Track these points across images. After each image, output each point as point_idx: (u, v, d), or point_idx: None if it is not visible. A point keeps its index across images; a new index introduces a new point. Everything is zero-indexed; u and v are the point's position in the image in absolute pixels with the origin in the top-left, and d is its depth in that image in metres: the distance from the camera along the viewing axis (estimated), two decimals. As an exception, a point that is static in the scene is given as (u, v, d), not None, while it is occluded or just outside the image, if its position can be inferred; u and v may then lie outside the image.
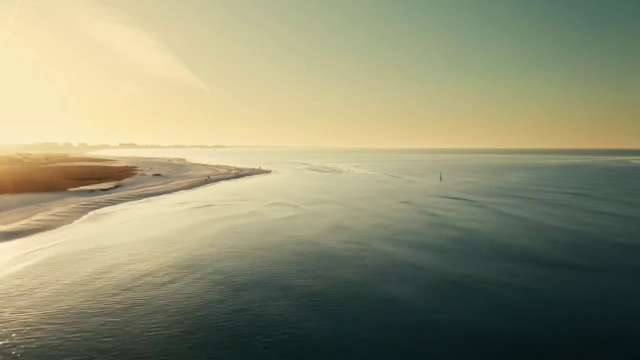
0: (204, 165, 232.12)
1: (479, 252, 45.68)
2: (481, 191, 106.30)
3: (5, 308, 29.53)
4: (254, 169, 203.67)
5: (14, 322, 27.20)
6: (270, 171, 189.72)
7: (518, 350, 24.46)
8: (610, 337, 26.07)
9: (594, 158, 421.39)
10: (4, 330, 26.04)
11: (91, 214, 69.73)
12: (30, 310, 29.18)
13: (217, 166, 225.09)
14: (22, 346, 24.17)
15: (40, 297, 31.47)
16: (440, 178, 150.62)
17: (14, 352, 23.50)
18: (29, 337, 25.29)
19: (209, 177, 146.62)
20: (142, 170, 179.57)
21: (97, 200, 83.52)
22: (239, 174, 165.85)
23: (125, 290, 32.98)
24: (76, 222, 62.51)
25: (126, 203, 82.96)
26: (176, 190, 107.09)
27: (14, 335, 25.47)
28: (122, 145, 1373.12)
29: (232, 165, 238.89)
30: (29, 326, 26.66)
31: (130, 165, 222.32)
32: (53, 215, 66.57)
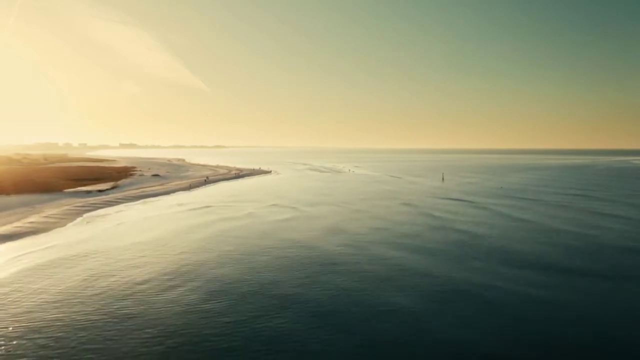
0: (203, 166, 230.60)
1: (484, 256, 44.17)
2: (484, 192, 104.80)
3: (-13, 318, 28.04)
4: (253, 169, 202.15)
5: (-5, 333, 25.70)
6: (270, 171, 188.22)
7: (529, 364, 22.99)
8: (618, 345, 24.59)
9: (594, 158, 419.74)
10: (-17, 343, 24.55)
11: (85, 215, 68.23)
12: (10, 322, 27.58)
13: (217, 166, 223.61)
14: (2, 360, 22.69)
15: (23, 308, 29.74)
16: (442, 178, 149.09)
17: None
18: (8, 351, 23.79)
19: (207, 177, 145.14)
20: (140, 170, 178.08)
21: (93, 202, 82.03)
22: (239, 174, 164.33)
23: (113, 300, 31.31)
24: (69, 224, 60.99)
25: (122, 204, 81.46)
26: (174, 191, 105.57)
27: (-7, 347, 23.97)
28: (122, 145, 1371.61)
29: (231, 165, 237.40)
30: (9, 340, 25.15)
31: (128, 165, 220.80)
32: (46, 217, 65.08)
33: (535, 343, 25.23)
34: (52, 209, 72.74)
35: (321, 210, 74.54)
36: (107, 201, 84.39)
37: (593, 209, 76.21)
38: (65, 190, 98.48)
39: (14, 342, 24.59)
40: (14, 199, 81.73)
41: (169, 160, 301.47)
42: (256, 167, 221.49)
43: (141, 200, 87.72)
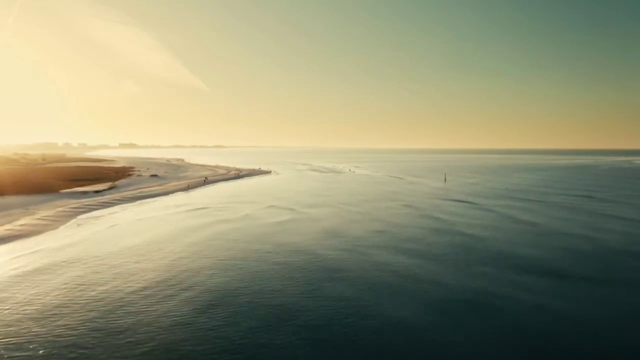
0: (203, 166, 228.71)
1: (491, 262, 42.26)
2: (487, 193, 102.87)
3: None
4: (253, 169, 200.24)
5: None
6: (270, 171, 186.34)
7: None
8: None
9: (596, 158, 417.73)
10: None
11: (80, 217, 66.34)
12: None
13: (216, 166, 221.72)
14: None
15: (1, 323, 27.91)
16: (445, 179, 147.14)
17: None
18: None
19: (206, 178, 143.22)
20: (138, 170, 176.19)
21: (88, 203, 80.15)
22: (238, 175, 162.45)
23: (100, 314, 29.08)
24: (62, 227, 59.11)
25: (118, 206, 79.57)
26: (172, 192, 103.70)
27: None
28: (122, 145, 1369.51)
29: (231, 165, 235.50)
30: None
31: (127, 165, 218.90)
32: (39, 219, 63.20)
33: (547, 356, 23.35)
34: (46, 210, 70.87)
35: (320, 212, 72.61)
36: (103, 202, 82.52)
37: (600, 211, 74.29)
38: (61, 190, 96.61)
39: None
40: (8, 199, 79.85)
41: (168, 161, 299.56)
42: (256, 167, 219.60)
43: (138, 202, 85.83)
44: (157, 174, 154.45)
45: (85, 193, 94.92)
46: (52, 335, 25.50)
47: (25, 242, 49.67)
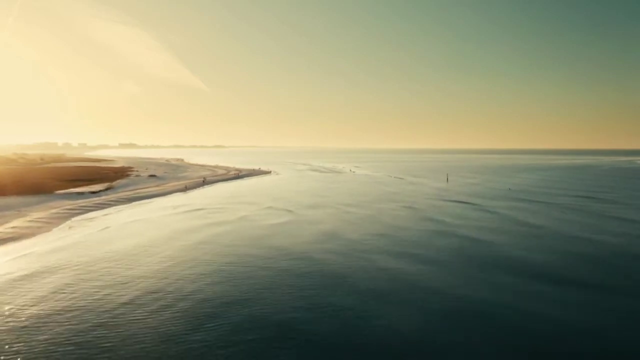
0: (202, 166, 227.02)
1: (499, 269, 40.53)
2: (491, 194, 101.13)
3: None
4: (253, 169, 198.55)
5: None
6: (270, 172, 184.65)
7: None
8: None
9: (597, 158, 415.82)
10: None
11: (74, 219, 64.61)
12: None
13: (216, 166, 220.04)
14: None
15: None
16: (447, 179, 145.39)
17: None
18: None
19: (205, 178, 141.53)
20: (137, 170, 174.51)
21: (83, 204, 78.44)
22: (238, 175, 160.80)
23: (84, 330, 27.40)
24: (55, 229, 57.39)
25: (113, 207, 77.85)
26: (170, 193, 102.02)
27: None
28: (122, 145, 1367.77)
29: (231, 165, 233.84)
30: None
31: (126, 165, 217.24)
32: (31, 221, 61.50)
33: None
34: (40, 212, 69.19)
35: (319, 214, 70.87)
36: (99, 203, 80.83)
37: (607, 213, 72.55)
38: (57, 191, 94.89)
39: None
40: (0, 201, 78.12)
41: (167, 160, 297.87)
42: (256, 167, 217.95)
43: (134, 203, 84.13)
44: (156, 174, 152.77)
45: (81, 194, 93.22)
46: (32, 353, 23.74)
47: (14, 246, 47.88)
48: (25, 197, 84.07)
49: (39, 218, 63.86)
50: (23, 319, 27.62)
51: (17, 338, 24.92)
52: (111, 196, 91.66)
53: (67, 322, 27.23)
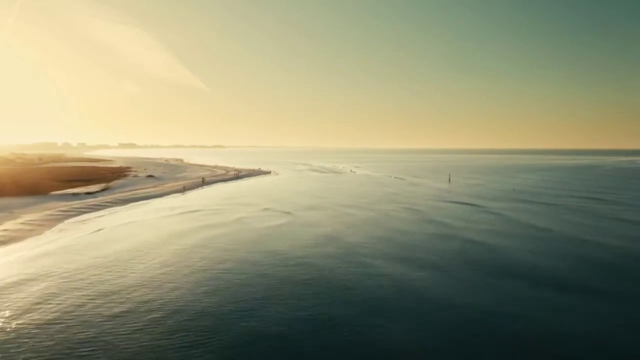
0: (201, 166, 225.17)
1: (508, 277, 38.66)
2: (495, 195, 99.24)
3: None
4: (252, 169, 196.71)
5: None
6: (270, 172, 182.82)
7: None
8: None
9: (598, 158, 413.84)
10: None
11: (67, 222, 62.76)
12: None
13: (215, 167, 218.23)
14: None
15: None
16: (449, 180, 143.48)
17: None
18: None
19: (204, 178, 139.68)
20: (135, 171, 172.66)
21: (78, 206, 76.58)
22: (237, 175, 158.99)
23: (57, 349, 25.51)
24: (47, 232, 55.54)
25: (108, 209, 75.97)
26: (167, 194, 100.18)
27: None
28: (122, 145, 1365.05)
29: (230, 165, 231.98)
30: None
31: (124, 165, 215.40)
32: (23, 223, 59.66)
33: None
34: (32, 214, 67.35)
35: (318, 216, 68.98)
36: (94, 205, 78.99)
37: (616, 215, 70.72)
38: (52, 192, 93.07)
39: None
40: (-7, 202, 76.28)
41: (167, 161, 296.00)
42: (255, 167, 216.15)
43: (130, 204, 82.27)
44: (154, 175, 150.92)
45: (76, 195, 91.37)
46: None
47: (2, 250, 45.99)
48: (18, 199, 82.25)
49: (32, 220, 62.02)
50: (5, 335, 25.77)
51: (-6, 354, 23.13)
52: (107, 197, 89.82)
53: (48, 338, 25.32)
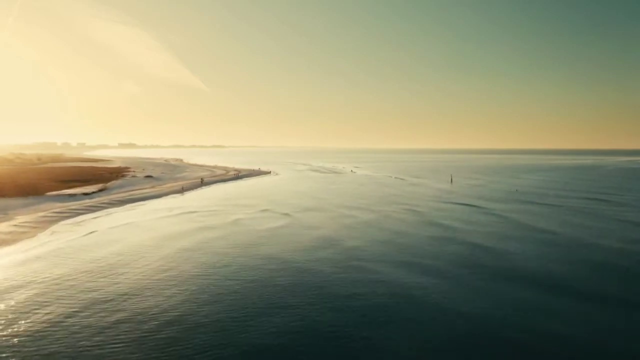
0: (201, 166, 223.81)
1: (515, 283, 37.21)
2: (498, 196, 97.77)
3: None
4: (252, 169, 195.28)
5: None
6: (270, 172, 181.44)
7: None
8: None
9: (598, 158, 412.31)
10: None
11: (61, 223, 61.33)
12: None
13: (215, 167, 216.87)
14: None
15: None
16: (451, 180, 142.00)
17: None
18: None
19: (203, 179, 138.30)
20: (134, 171, 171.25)
21: (74, 207, 75.15)
22: (237, 175, 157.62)
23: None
24: (40, 234, 54.10)
25: (105, 210, 74.53)
26: (165, 194, 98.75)
27: None
28: (121, 145, 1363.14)
29: (230, 165, 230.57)
30: None
31: (123, 165, 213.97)
32: (16, 225, 58.23)
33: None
34: (27, 215, 65.93)
35: (318, 217, 67.52)
36: (90, 206, 77.55)
37: (622, 217, 69.22)
38: (48, 193, 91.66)
39: None
40: (-13, 204, 74.86)
41: (166, 161, 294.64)
42: (255, 167, 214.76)
43: (127, 205, 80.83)
44: (153, 175, 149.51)
45: (72, 195, 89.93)
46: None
47: (-7, 253, 44.63)
48: (14, 199, 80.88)
49: (25, 222, 60.59)
50: (-14, 344, 24.38)
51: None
52: (103, 198, 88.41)
53: (33, 352, 23.93)
